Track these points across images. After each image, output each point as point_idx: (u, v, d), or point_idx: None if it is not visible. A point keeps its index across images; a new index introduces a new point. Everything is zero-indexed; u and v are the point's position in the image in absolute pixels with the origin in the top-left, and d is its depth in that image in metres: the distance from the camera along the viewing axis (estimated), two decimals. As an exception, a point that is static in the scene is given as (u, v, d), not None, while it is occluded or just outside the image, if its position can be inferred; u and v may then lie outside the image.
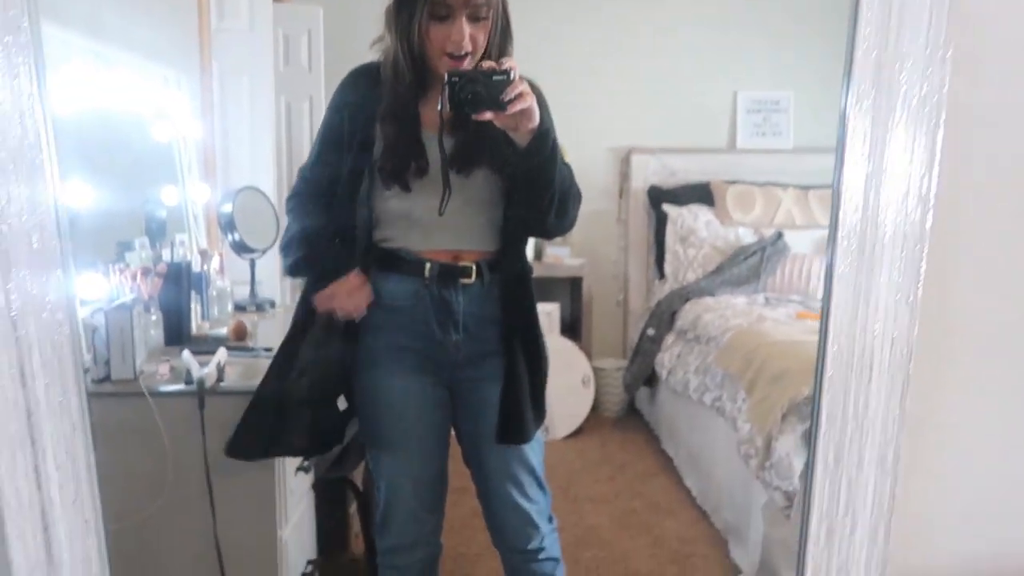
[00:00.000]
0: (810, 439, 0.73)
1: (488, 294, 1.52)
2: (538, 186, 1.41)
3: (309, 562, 1.85)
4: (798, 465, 2.12)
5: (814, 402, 0.70)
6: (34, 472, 0.60)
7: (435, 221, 1.46)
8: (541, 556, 1.58)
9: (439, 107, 1.34)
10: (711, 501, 2.79)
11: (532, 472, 1.57)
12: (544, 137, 1.36)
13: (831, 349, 0.57)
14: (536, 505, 1.57)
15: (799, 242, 3.77)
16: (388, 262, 1.51)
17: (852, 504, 0.62)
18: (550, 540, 1.60)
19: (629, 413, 4.08)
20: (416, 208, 1.47)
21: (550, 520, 1.61)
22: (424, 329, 1.50)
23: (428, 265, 1.48)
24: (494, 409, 1.51)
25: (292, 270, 1.55)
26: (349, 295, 1.48)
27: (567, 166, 1.48)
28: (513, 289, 1.53)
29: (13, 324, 0.57)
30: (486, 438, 1.53)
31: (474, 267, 1.49)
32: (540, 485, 1.59)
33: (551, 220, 1.46)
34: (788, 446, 2.13)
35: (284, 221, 1.61)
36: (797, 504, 2.13)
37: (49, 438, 0.60)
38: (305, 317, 1.53)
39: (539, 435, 1.58)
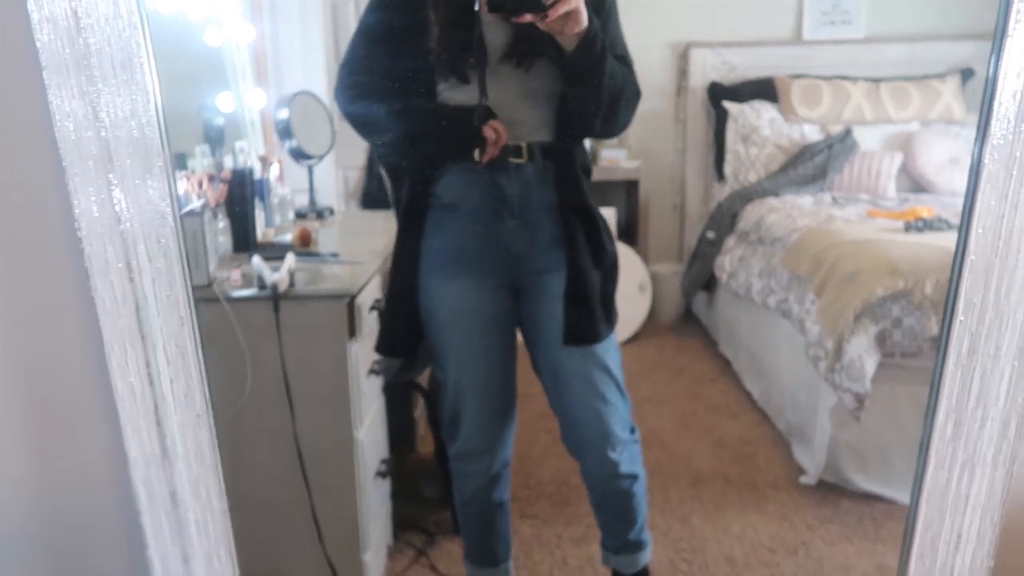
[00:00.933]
0: (942, 329, 0.69)
1: (543, 179, 1.47)
2: (585, 90, 1.37)
3: (383, 461, 1.90)
4: (870, 367, 2.08)
5: (949, 290, 0.66)
6: (145, 367, 0.60)
7: (489, 112, 1.42)
8: (621, 470, 1.55)
9: (475, 6, 1.29)
10: (773, 404, 2.77)
11: (608, 372, 1.52)
12: (590, 43, 1.30)
13: (975, 231, 0.52)
14: (614, 408, 1.52)
15: (869, 139, 3.59)
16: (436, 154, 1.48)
17: (984, 397, 0.58)
18: (630, 453, 1.57)
19: (686, 318, 4.05)
20: (470, 102, 1.42)
21: (632, 431, 1.58)
22: (479, 219, 1.47)
23: (478, 151, 1.44)
24: (560, 304, 1.48)
25: (401, 145, 1.52)
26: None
27: (625, 64, 1.42)
28: (569, 177, 1.48)
29: (118, 218, 0.55)
30: (555, 338, 1.49)
31: (524, 146, 1.45)
32: (619, 389, 1.54)
33: (598, 124, 1.44)
34: (860, 348, 2.08)
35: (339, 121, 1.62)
36: (868, 406, 2.10)
37: (159, 333, 0.60)
38: (415, 201, 1.50)
39: (614, 339, 1.53)
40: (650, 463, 2.53)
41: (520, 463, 2.54)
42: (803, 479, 2.36)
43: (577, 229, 1.48)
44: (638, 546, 1.71)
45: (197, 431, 0.64)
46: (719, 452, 2.59)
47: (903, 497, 2.23)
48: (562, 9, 1.23)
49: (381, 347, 1.62)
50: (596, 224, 1.52)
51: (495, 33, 1.37)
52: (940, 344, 0.62)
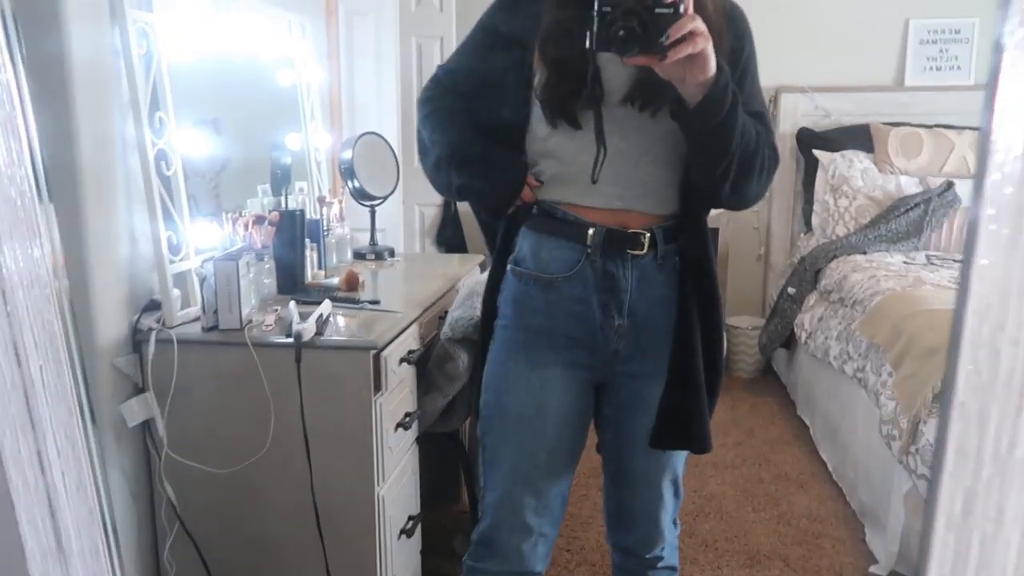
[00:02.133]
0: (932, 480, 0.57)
1: (662, 270, 1.24)
2: (710, 152, 1.14)
3: (410, 517, 1.84)
4: (950, 453, 1.87)
5: (939, 433, 0.54)
6: (37, 457, 0.55)
7: (604, 171, 1.20)
8: (659, 564, 1.41)
9: (586, 43, 1.07)
10: (847, 478, 2.56)
11: (674, 473, 1.35)
12: (719, 95, 1.07)
13: (963, 367, 0.40)
14: (667, 511, 1.37)
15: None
16: (540, 221, 1.26)
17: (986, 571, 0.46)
18: (670, 548, 1.42)
19: (764, 374, 3.84)
20: (583, 152, 1.20)
21: (675, 524, 1.43)
22: (581, 310, 1.24)
23: (592, 230, 1.21)
24: (653, 409, 1.26)
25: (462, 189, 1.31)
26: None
27: (762, 123, 1.20)
28: (693, 266, 1.25)
29: (3, 298, 0.51)
30: (636, 439, 1.29)
31: (647, 235, 1.22)
32: (677, 491, 1.38)
33: (725, 193, 1.18)
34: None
35: (411, 162, 1.49)
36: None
37: (48, 422, 0.56)
38: (501, 259, 1.32)
39: None
40: (705, 535, 2.37)
41: (564, 524, 2.43)
42: (873, 569, 2.15)
43: (694, 332, 1.24)
44: None
45: (91, 528, 0.59)
46: (782, 528, 2.40)
47: (987, 602, 1.99)
48: (684, 52, 1.01)
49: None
50: (717, 322, 1.28)
51: (615, 71, 1.16)
52: (928, 496, 0.50)
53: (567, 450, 1.31)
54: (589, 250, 1.22)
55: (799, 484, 2.71)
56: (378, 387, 1.60)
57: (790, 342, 3.41)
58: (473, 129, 1.29)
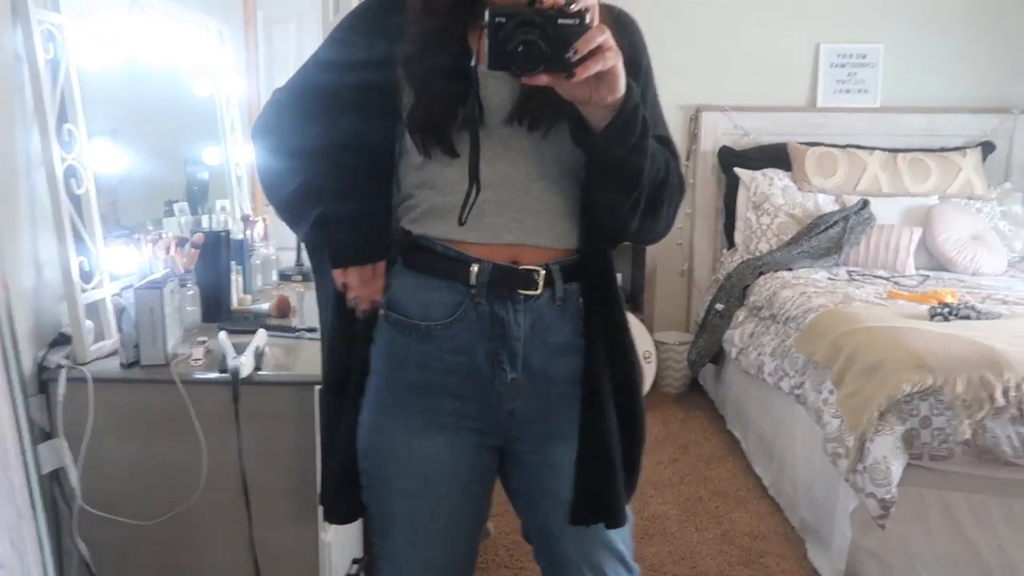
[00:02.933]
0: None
1: (562, 314, 1.08)
2: (619, 182, 1.00)
3: (354, 561, 1.71)
4: (896, 470, 1.89)
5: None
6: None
7: (488, 201, 1.03)
8: None
9: (472, 60, 0.96)
10: (786, 495, 2.58)
11: (620, 558, 1.15)
12: (629, 118, 0.93)
13: None
14: None
15: (886, 212, 3.46)
16: (416, 259, 1.07)
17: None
18: None
19: (691, 389, 3.87)
20: (464, 180, 1.02)
21: None
22: (466, 362, 1.07)
23: (476, 267, 1.04)
24: (567, 478, 1.09)
25: (312, 235, 1.12)
26: (363, 282, 1.09)
27: (668, 149, 1.07)
28: (599, 306, 1.09)
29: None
30: (556, 519, 1.11)
31: (542, 272, 1.06)
32: (628, 568, 1.17)
33: (633, 225, 1.05)
34: (885, 448, 1.90)
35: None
36: (896, 514, 1.91)
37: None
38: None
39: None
40: (652, 560, 2.33)
41: (509, 552, 2.34)
42: (819, 586, 2.16)
43: (606, 387, 1.09)
44: None
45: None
46: (727, 548, 2.39)
47: (931, 615, 2.02)
48: (594, 69, 0.87)
49: (327, 512, 1.19)
50: (631, 376, 1.12)
51: (496, 87, 1.01)
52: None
53: (468, 518, 1.14)
54: (473, 291, 1.04)
55: (738, 501, 2.72)
56: (323, 424, 1.47)
57: (718, 357, 3.44)
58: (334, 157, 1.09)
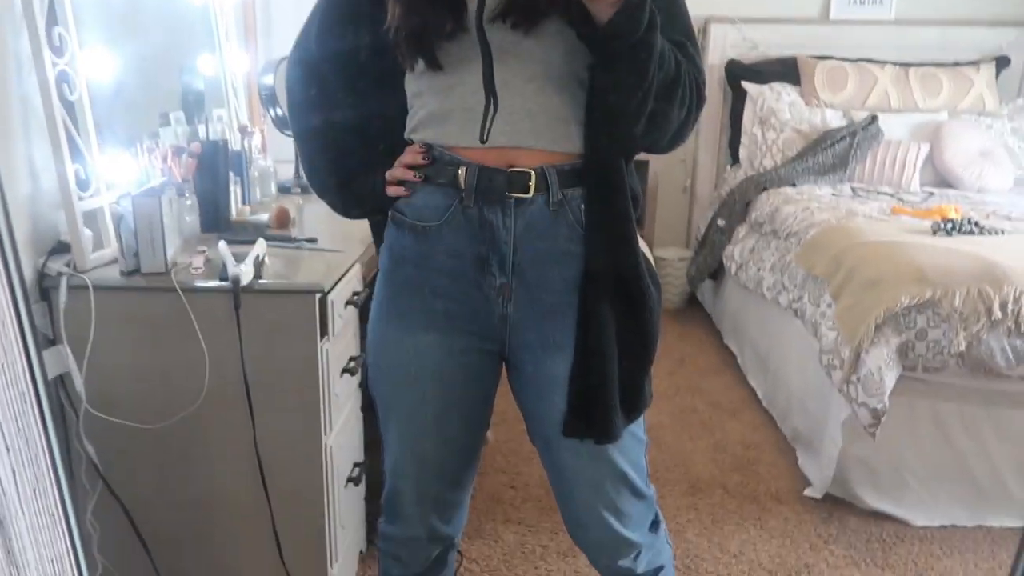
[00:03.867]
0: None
1: (556, 219, 1.04)
2: (623, 79, 0.95)
3: (356, 465, 1.76)
4: (889, 381, 1.92)
5: None
6: (-24, 450, 0.44)
7: (479, 104, 1.01)
8: (638, 572, 1.19)
9: None
10: (779, 406, 2.63)
11: (623, 477, 1.12)
12: (635, 10, 0.89)
13: None
14: (628, 519, 1.14)
15: (894, 127, 3.39)
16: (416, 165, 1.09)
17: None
18: (651, 552, 1.19)
19: (689, 304, 3.90)
20: (457, 87, 1.02)
21: (654, 525, 1.20)
22: (455, 265, 1.06)
23: (463, 170, 1.03)
24: (563, 390, 1.08)
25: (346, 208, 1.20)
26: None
27: (684, 54, 1.02)
28: (601, 216, 1.04)
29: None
30: (554, 428, 1.10)
31: (532, 174, 1.02)
32: (635, 491, 1.14)
33: (639, 130, 0.99)
34: (879, 359, 1.93)
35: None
36: (887, 423, 1.95)
37: (-8, 409, 0.44)
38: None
39: (636, 429, 1.13)
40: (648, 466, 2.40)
41: (507, 459, 2.41)
42: (808, 492, 2.22)
43: (604, 301, 1.04)
44: None
45: (53, 535, 0.49)
46: (719, 456, 2.45)
47: (915, 518, 2.09)
48: None
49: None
50: (640, 294, 1.05)
51: None
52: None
53: (459, 417, 1.14)
54: (463, 194, 1.04)
55: (731, 412, 2.78)
56: (324, 332, 1.49)
57: (717, 273, 3.45)
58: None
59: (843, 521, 2.10)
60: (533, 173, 1.02)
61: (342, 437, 1.64)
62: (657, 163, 3.83)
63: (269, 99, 2.32)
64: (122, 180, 1.62)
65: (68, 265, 1.47)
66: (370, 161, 1.12)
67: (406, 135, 1.11)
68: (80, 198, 1.47)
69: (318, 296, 1.45)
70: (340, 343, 1.60)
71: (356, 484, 1.73)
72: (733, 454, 2.47)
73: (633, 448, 1.13)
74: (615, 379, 1.06)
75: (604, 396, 1.05)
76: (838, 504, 2.17)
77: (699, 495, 2.24)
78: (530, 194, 1.03)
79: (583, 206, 1.05)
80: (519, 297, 1.07)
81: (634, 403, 1.09)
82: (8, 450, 0.46)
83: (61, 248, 1.51)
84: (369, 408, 1.75)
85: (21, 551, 0.48)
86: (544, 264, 1.06)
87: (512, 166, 1.03)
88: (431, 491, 1.18)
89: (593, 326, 1.05)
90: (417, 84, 1.06)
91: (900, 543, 2.01)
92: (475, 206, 1.04)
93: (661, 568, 1.23)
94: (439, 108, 1.05)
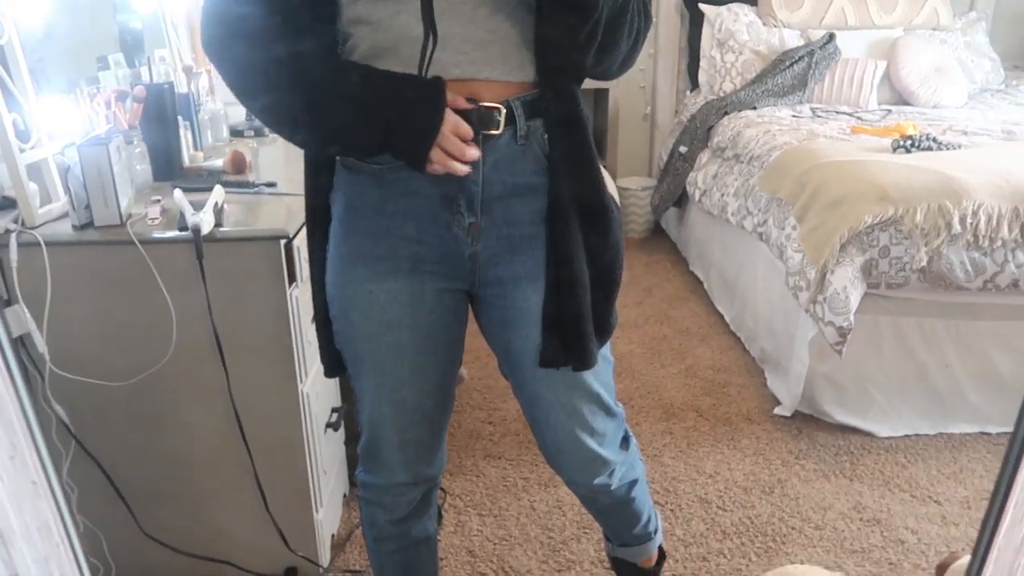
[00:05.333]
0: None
1: (524, 153, 1.02)
2: (574, 8, 0.93)
3: (334, 410, 1.75)
4: (854, 299, 1.96)
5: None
6: (-56, 419, 0.41)
7: (433, 35, 0.95)
8: (614, 487, 1.23)
9: None
10: (746, 329, 2.67)
11: (597, 398, 1.15)
12: None
13: None
14: (602, 437, 1.17)
15: (852, 45, 3.38)
16: None
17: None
18: (624, 468, 1.23)
19: (654, 233, 3.91)
20: (401, 15, 0.94)
21: (624, 442, 1.24)
22: (421, 206, 1.02)
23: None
24: (536, 321, 1.07)
25: (318, 140, 1.03)
26: (453, 142, 0.96)
27: None
28: (563, 143, 1.02)
29: None
30: (528, 360, 1.10)
31: (503, 110, 0.99)
32: (607, 410, 1.17)
33: (590, 58, 0.98)
34: (845, 278, 1.96)
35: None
36: (851, 340, 1.99)
37: (-43, 376, 0.41)
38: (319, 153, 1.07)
39: (605, 350, 1.14)
40: (620, 395, 2.43)
41: (483, 396, 2.43)
42: (778, 411, 2.28)
43: (571, 226, 1.04)
44: (646, 537, 1.41)
45: (35, 501, 0.46)
46: (690, 381, 2.50)
47: (880, 430, 2.17)
48: None
49: (326, 369, 1.20)
50: (603, 214, 1.06)
51: None
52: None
53: (434, 361, 1.13)
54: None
55: (700, 337, 2.82)
56: (292, 279, 1.45)
57: (680, 200, 3.46)
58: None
59: (812, 437, 2.17)
60: (503, 108, 0.99)
61: (318, 384, 1.62)
62: (616, 91, 3.78)
63: (213, 37, 2.21)
64: (64, 129, 1.53)
65: (15, 222, 1.40)
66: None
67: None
68: (21, 150, 1.39)
69: (283, 242, 1.41)
70: (308, 289, 1.56)
71: (335, 429, 1.72)
72: (704, 378, 2.52)
73: (604, 369, 1.15)
74: (588, 305, 1.06)
75: (579, 324, 1.05)
76: (807, 421, 2.23)
77: (673, 420, 2.28)
78: (500, 130, 0.99)
79: (545, 136, 1.03)
80: (487, 234, 1.05)
81: (604, 327, 1.10)
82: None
83: (5, 204, 1.44)
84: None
85: (5, 520, 0.46)
86: (512, 199, 1.04)
87: (473, 98, 0.98)
88: (412, 437, 1.16)
89: (563, 254, 1.04)
90: (354, 10, 0.96)
91: (867, 454, 2.09)
92: None
93: (635, 482, 1.28)
94: (383, 39, 0.96)
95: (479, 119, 0.98)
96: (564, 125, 1.02)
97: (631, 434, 1.27)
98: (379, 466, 1.18)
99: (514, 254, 1.06)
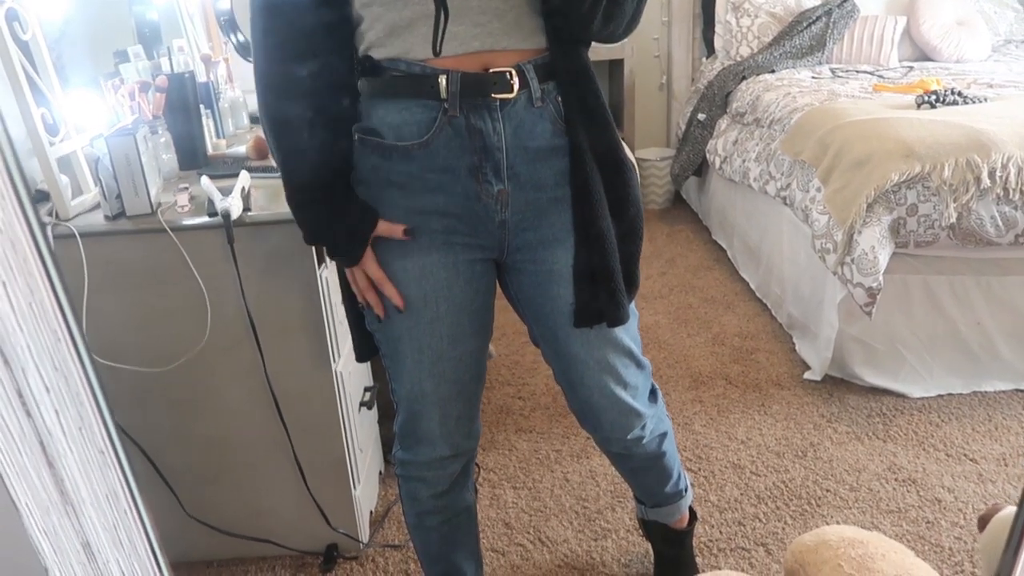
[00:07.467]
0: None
1: (542, 116, 1.05)
2: None
3: (367, 389, 1.77)
4: (883, 259, 1.94)
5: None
6: (17, 395, 0.42)
7: (451, 7, 0.96)
8: (646, 441, 1.27)
9: None
10: (772, 295, 2.66)
11: (627, 352, 1.18)
12: None
13: None
14: (635, 390, 1.21)
15: (870, 2, 3.32)
16: (384, 83, 1.03)
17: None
18: (655, 421, 1.27)
19: (674, 204, 3.89)
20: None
21: (652, 395, 1.27)
22: (449, 180, 1.04)
23: (444, 78, 0.99)
24: (567, 281, 1.10)
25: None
26: (366, 289, 1.10)
27: None
28: (577, 104, 1.05)
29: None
30: (561, 323, 1.13)
31: (512, 73, 1.01)
32: (638, 363, 1.20)
33: (596, 24, 1.00)
34: (872, 239, 1.94)
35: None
36: (881, 301, 1.98)
37: (25, 350, 0.42)
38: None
39: (631, 304, 1.17)
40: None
41: (511, 372, 2.44)
42: (807, 375, 2.28)
43: (595, 182, 1.07)
44: (678, 495, 1.45)
45: (104, 471, 0.48)
46: (718, 349, 2.50)
47: (913, 391, 2.16)
48: None
49: (358, 354, 1.23)
50: (619, 163, 1.09)
51: None
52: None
53: (471, 332, 1.14)
54: (446, 104, 1.00)
55: (726, 305, 2.81)
56: (321, 259, 1.47)
57: (701, 169, 3.43)
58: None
59: (843, 400, 2.16)
60: (514, 71, 1.01)
61: (351, 363, 1.64)
62: (631, 61, 3.75)
63: (228, 25, 2.22)
64: (90, 122, 1.55)
65: (50, 214, 1.42)
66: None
67: (362, 51, 1.04)
68: (51, 143, 1.41)
69: (312, 223, 1.42)
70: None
71: (369, 408, 1.75)
72: (732, 346, 2.52)
73: (631, 323, 1.18)
74: (618, 260, 1.10)
75: (612, 279, 1.09)
76: (837, 384, 2.23)
77: (702, 388, 2.29)
78: (514, 93, 1.01)
79: (559, 98, 1.06)
80: (516, 200, 1.07)
81: (633, 281, 1.14)
82: (48, 390, 0.44)
83: (39, 197, 1.46)
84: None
85: (75, 490, 0.48)
86: (535, 163, 1.06)
87: (488, 69, 1.01)
88: (452, 410, 1.17)
89: (590, 212, 1.07)
90: None
91: (900, 415, 2.08)
92: (461, 114, 1.01)
93: (665, 434, 1.32)
94: (399, 18, 0.99)
95: (493, 84, 1.00)
96: (576, 84, 1.05)
97: (657, 388, 1.30)
98: (418, 443, 1.19)
99: (542, 218, 1.09)
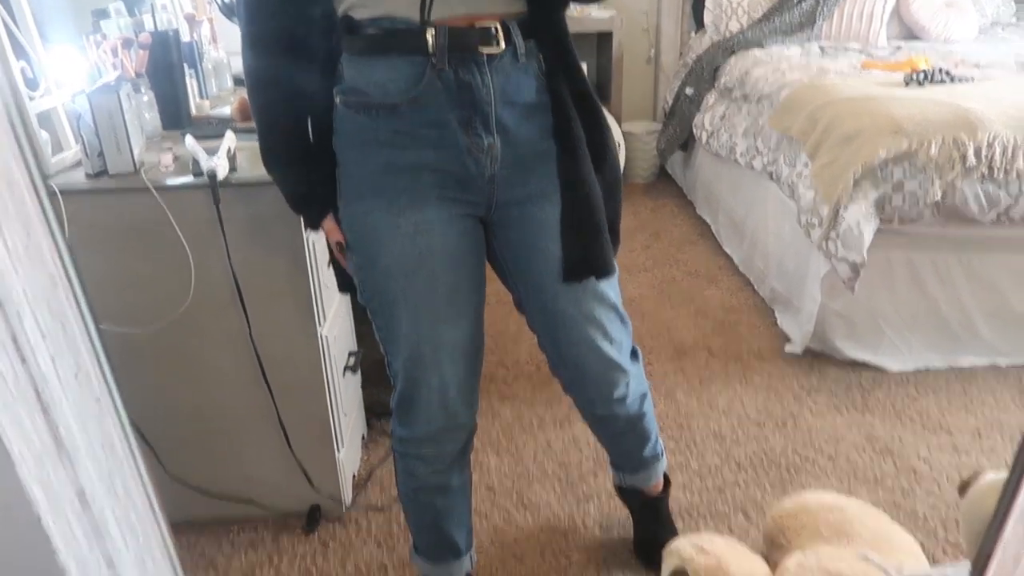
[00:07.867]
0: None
1: (527, 72, 1.08)
2: None
3: (351, 354, 1.76)
4: (868, 235, 1.96)
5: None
6: (12, 340, 0.42)
7: None
8: (629, 401, 1.30)
9: None
10: (755, 269, 2.68)
11: (613, 307, 1.20)
12: None
13: None
14: (620, 344, 1.23)
15: (860, -22, 3.31)
16: (368, 41, 1.03)
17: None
18: (636, 381, 1.29)
19: (659, 178, 3.89)
20: None
21: (634, 355, 1.29)
22: (439, 135, 1.05)
23: (432, 31, 1.00)
24: (555, 235, 1.12)
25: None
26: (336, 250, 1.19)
27: None
28: (557, 62, 1.09)
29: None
30: (548, 278, 1.14)
31: (497, 27, 1.03)
32: (621, 318, 1.23)
33: None
34: (858, 214, 1.95)
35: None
36: (864, 276, 2.00)
37: (21, 294, 0.41)
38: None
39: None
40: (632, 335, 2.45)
41: (494, 340, 2.44)
42: (788, 348, 2.30)
43: (578, 135, 1.10)
44: (655, 459, 1.48)
45: (101, 419, 0.47)
46: (701, 321, 2.51)
47: (891, 364, 2.19)
48: None
49: (339, 284, 1.27)
50: (598, 120, 1.14)
51: None
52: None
53: (467, 290, 1.14)
54: (433, 58, 1.00)
55: (709, 279, 2.83)
56: (308, 223, 1.45)
57: (687, 144, 3.43)
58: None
59: (823, 372, 2.19)
60: (499, 27, 1.03)
61: (335, 327, 1.63)
62: (620, 34, 3.72)
63: (213, -17, 2.17)
64: (71, 78, 1.52)
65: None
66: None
67: (341, 11, 1.04)
68: (31, 98, 1.38)
69: (299, 186, 1.40)
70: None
71: (353, 372, 1.74)
72: (714, 319, 2.53)
73: (614, 278, 1.21)
74: (603, 211, 1.13)
75: (598, 229, 1.12)
76: (818, 357, 2.25)
77: (684, 359, 2.30)
78: (502, 47, 1.04)
79: (540, 54, 1.10)
80: (504, 155, 1.09)
81: (616, 232, 1.18)
82: (44, 336, 0.43)
83: (18, 154, 1.43)
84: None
85: (70, 438, 0.47)
86: (521, 119, 1.09)
87: (473, 23, 1.03)
88: (451, 377, 1.15)
89: (573, 164, 1.11)
90: None
91: (878, 388, 2.11)
92: (449, 68, 1.02)
93: (645, 395, 1.36)
94: None
95: (479, 38, 1.03)
96: (558, 41, 1.10)
97: (637, 348, 1.33)
98: (416, 416, 1.18)
99: (529, 173, 1.11)
